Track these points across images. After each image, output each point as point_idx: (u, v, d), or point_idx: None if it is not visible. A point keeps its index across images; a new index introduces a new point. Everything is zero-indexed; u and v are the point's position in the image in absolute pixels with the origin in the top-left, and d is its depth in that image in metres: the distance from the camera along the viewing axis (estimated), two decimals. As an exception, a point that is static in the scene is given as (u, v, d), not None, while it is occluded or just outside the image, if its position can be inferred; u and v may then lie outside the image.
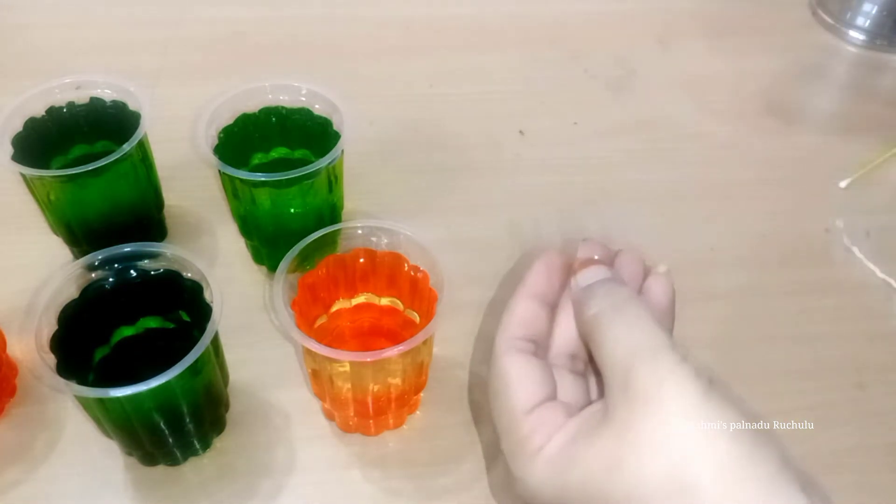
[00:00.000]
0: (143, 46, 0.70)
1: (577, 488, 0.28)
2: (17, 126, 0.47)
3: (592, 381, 0.35)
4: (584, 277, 0.33)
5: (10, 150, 0.46)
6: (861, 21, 0.76)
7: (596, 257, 0.34)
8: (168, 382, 0.35)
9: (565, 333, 0.34)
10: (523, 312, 0.33)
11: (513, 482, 0.31)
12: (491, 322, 0.49)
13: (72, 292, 0.40)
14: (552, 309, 0.34)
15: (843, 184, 0.61)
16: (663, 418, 0.26)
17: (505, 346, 0.32)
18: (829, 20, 0.78)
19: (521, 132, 0.62)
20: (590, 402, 0.33)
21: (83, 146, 0.50)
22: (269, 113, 0.50)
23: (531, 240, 0.55)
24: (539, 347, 0.33)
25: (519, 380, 0.31)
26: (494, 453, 0.43)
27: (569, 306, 0.34)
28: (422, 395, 0.45)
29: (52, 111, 0.49)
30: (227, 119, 0.49)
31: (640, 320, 0.29)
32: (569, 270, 0.34)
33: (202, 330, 0.36)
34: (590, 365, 0.35)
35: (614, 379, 0.28)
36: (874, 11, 0.76)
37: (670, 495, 0.26)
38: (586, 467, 0.28)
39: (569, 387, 0.33)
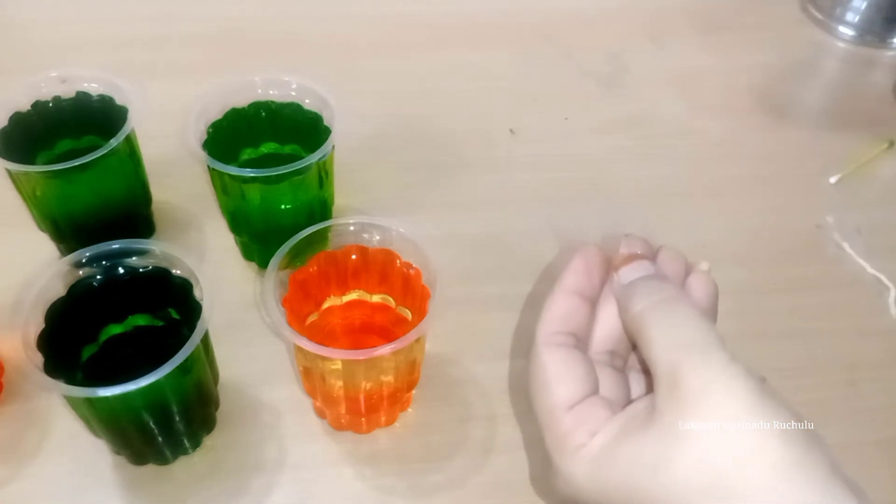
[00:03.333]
0: (131, 41, 0.69)
1: (620, 487, 0.27)
2: (2, 120, 0.46)
3: (633, 377, 0.34)
4: (628, 273, 0.32)
5: (-6, 144, 0.45)
6: (850, 17, 0.76)
7: (638, 252, 0.33)
8: (157, 381, 0.34)
9: (605, 329, 0.33)
10: (563, 307, 0.32)
11: (554, 478, 0.30)
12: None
13: (59, 290, 0.39)
14: (592, 304, 0.33)
15: (833, 180, 0.61)
16: (713, 418, 0.26)
17: (545, 340, 0.32)
18: (819, 16, 0.78)
19: (511, 131, 0.62)
20: (630, 400, 0.32)
21: (69, 141, 0.50)
22: (258, 108, 0.50)
23: (529, 238, 0.54)
24: (580, 342, 0.32)
25: (560, 374, 0.30)
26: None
27: (609, 302, 0.33)
28: (413, 392, 0.45)
29: (38, 105, 0.48)
30: (216, 114, 0.48)
31: (688, 317, 0.29)
32: (608, 265, 0.34)
33: (192, 328, 0.36)
34: (630, 361, 0.35)
35: (662, 377, 0.28)
36: (863, 7, 0.76)
37: (719, 499, 0.25)
38: (631, 466, 0.27)
39: (610, 383, 0.32)
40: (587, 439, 0.29)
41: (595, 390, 0.31)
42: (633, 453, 0.27)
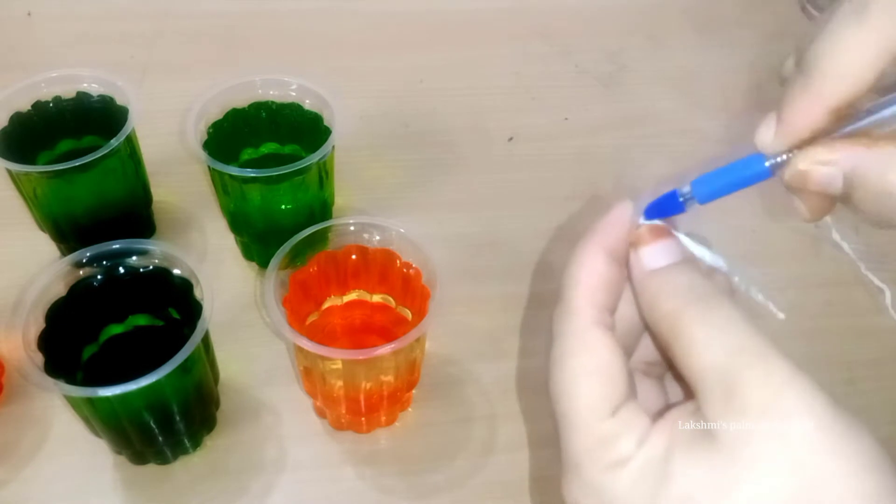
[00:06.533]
0: (131, 40, 0.69)
1: None
2: (3, 121, 0.46)
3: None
4: (653, 256, 0.27)
5: (-5, 144, 0.45)
6: (850, 17, 0.76)
7: (662, 226, 0.28)
8: (158, 381, 0.34)
9: (628, 315, 0.28)
10: (605, 273, 0.26)
11: (576, 491, 0.25)
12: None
13: (59, 290, 0.39)
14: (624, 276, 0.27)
15: (832, 179, 0.61)
16: (790, 435, 0.21)
17: (595, 317, 0.25)
18: (818, 15, 0.78)
19: (510, 138, 0.62)
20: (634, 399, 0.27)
21: (70, 141, 0.50)
22: (258, 108, 0.50)
23: (529, 238, 0.55)
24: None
25: (608, 367, 0.25)
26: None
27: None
28: (413, 392, 0.45)
29: (38, 106, 0.48)
30: (216, 114, 0.48)
31: (733, 319, 0.24)
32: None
33: (192, 328, 0.36)
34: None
35: (711, 385, 0.23)
36: (863, 7, 0.76)
37: None
38: (689, 486, 0.22)
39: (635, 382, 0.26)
40: (632, 452, 0.24)
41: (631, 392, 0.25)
42: (690, 472, 0.22)
